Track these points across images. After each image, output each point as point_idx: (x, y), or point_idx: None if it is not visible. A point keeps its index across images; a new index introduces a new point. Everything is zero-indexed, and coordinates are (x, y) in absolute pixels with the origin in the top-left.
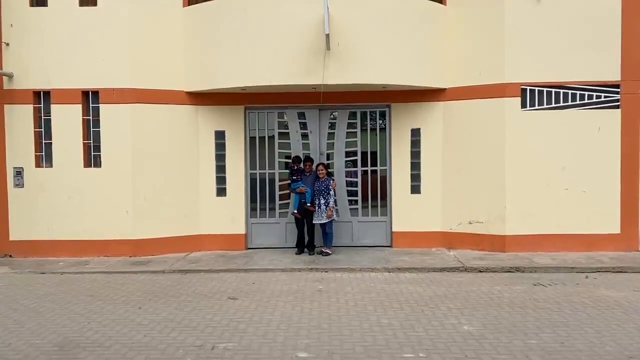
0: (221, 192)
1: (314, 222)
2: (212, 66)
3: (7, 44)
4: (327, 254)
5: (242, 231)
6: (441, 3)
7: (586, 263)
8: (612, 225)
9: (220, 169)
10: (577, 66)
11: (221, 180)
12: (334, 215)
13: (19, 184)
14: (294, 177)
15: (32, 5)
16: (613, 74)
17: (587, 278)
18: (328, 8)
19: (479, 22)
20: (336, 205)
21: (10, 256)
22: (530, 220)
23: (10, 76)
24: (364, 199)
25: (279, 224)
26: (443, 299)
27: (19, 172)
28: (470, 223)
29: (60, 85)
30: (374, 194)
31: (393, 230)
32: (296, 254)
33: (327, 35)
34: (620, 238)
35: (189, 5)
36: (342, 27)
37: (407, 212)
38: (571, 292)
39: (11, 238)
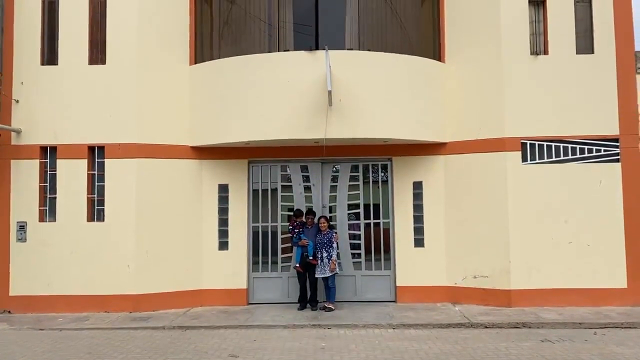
0: (223, 245)
1: (316, 276)
2: (216, 121)
3: (17, 101)
4: (330, 310)
5: (244, 286)
6: (440, 60)
7: (594, 318)
8: (618, 279)
9: (223, 222)
10: (576, 120)
11: (223, 233)
12: (337, 269)
13: (22, 239)
14: (295, 231)
15: (43, 64)
16: (612, 128)
17: (595, 334)
18: (330, 66)
19: (478, 78)
20: (339, 258)
21: (9, 312)
22: (535, 274)
23: (18, 132)
24: (367, 252)
25: (281, 278)
26: (449, 357)
27: (22, 227)
28: (475, 277)
29: (66, 141)
30: (377, 247)
31: (397, 284)
32: (298, 309)
33: (330, 92)
34: (628, 293)
35: (195, 63)
36: (344, 83)
37: (411, 266)
38: (580, 349)
39: (11, 293)
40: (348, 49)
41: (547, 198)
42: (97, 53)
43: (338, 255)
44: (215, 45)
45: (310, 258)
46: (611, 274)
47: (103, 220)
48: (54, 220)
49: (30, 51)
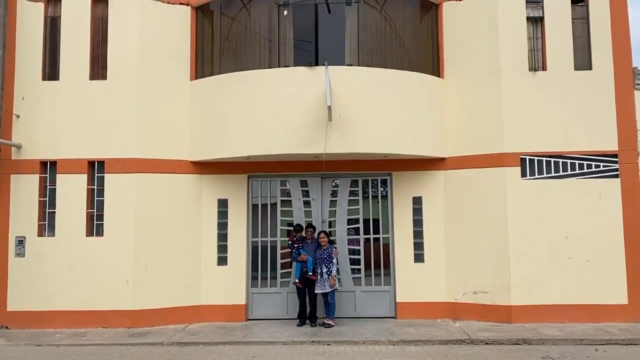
0: (222, 261)
1: (316, 291)
2: (216, 136)
3: (18, 116)
4: (330, 326)
5: (243, 302)
6: (439, 76)
7: (595, 335)
8: (619, 295)
9: (222, 237)
10: (575, 136)
11: (222, 248)
12: (337, 285)
13: (20, 254)
14: (295, 245)
15: (44, 79)
16: (611, 144)
17: (597, 351)
18: (330, 82)
19: (477, 94)
20: (338, 274)
21: (7, 327)
22: (536, 290)
23: (19, 147)
24: (367, 267)
25: (280, 293)
26: None
27: (20, 242)
28: (475, 293)
29: (67, 156)
30: (376, 262)
31: (397, 300)
32: (298, 325)
33: (329, 107)
34: (628, 309)
35: (195, 78)
36: (344, 99)
37: (411, 281)
38: None
39: (9, 309)
40: (348, 65)
41: (546, 213)
42: (98, 68)
43: (338, 270)
44: (216, 61)
45: (310, 274)
46: (612, 289)
47: (102, 235)
48: (53, 235)
49: (32, 66)
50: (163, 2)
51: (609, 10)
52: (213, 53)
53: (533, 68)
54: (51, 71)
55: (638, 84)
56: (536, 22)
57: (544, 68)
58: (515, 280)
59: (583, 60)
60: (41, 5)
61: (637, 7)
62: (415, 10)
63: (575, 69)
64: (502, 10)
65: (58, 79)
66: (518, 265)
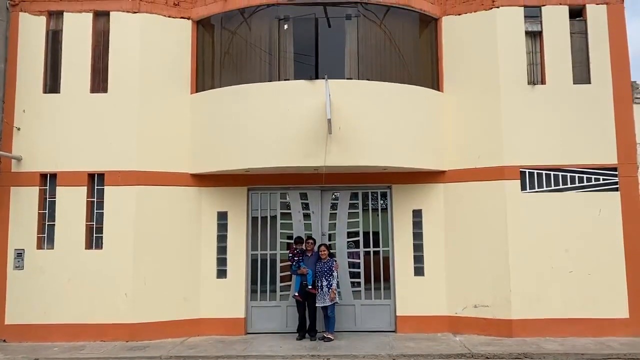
0: (221, 274)
1: (316, 305)
2: (216, 149)
3: (19, 129)
4: (330, 340)
5: (242, 315)
6: (439, 90)
7: (596, 349)
8: (620, 309)
9: (222, 250)
10: (574, 149)
11: (222, 261)
12: (337, 298)
13: (19, 266)
14: (295, 258)
15: (45, 92)
16: (610, 157)
17: None
18: (330, 95)
19: (476, 107)
20: (338, 287)
21: (4, 341)
22: (536, 304)
23: (19, 159)
24: (367, 280)
25: (279, 307)
26: None
27: (19, 254)
28: (475, 307)
29: (67, 168)
30: (376, 275)
31: (397, 314)
32: (297, 339)
33: (329, 120)
34: (630, 323)
35: (196, 92)
36: (344, 112)
37: (411, 295)
38: None
39: (7, 322)
40: (347, 79)
41: (546, 227)
42: (99, 81)
43: (338, 284)
44: (217, 74)
45: (309, 287)
46: (613, 303)
47: (101, 248)
48: (52, 248)
49: (33, 79)
50: (164, 16)
51: (607, 24)
52: (214, 66)
53: (532, 82)
54: (52, 84)
55: (637, 98)
56: (535, 36)
57: (543, 82)
58: (515, 293)
59: (582, 74)
60: (43, 19)
61: (635, 22)
62: (414, 24)
63: (574, 83)
64: (500, 25)
65: (59, 92)
66: (518, 279)
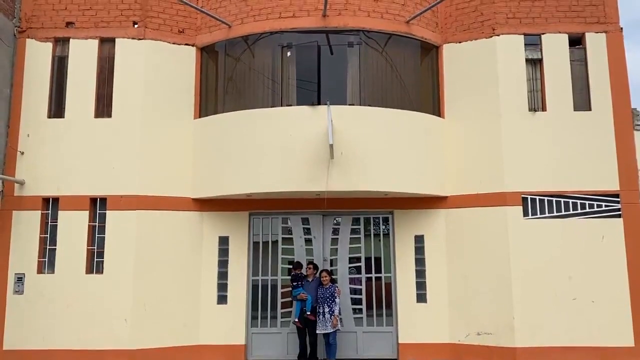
0: (222, 299)
1: (317, 331)
2: (219, 174)
3: (22, 153)
4: None
5: (242, 342)
6: (440, 116)
7: None
8: (625, 337)
9: (222, 275)
10: (576, 176)
11: (223, 287)
12: (339, 325)
13: (19, 291)
14: (294, 284)
15: (49, 116)
16: (612, 183)
17: None
18: (332, 121)
19: (478, 133)
20: (340, 313)
21: None
22: (540, 331)
23: (22, 183)
24: (369, 307)
25: (280, 333)
26: None
27: (20, 279)
28: (478, 334)
29: (69, 192)
30: (378, 302)
31: (399, 341)
32: None
33: (331, 146)
34: (635, 351)
35: (199, 117)
36: (345, 137)
37: (414, 322)
38: None
39: (5, 347)
40: (349, 104)
41: (549, 253)
42: (103, 106)
43: (339, 310)
44: (220, 100)
45: (308, 313)
46: (617, 331)
47: (102, 272)
48: (53, 272)
49: (38, 104)
50: (169, 42)
51: (606, 52)
52: (217, 92)
53: (533, 108)
54: (57, 109)
55: (638, 125)
56: (535, 63)
57: (543, 108)
58: (519, 321)
59: (582, 100)
60: (50, 45)
61: (635, 50)
62: (415, 51)
63: (574, 110)
64: (501, 52)
65: (63, 117)
66: (521, 306)
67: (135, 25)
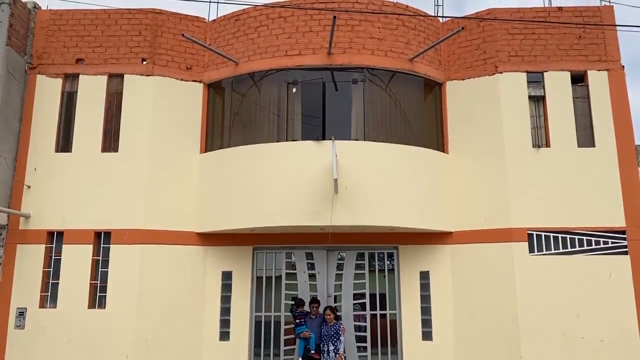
0: (225, 336)
1: None
2: (224, 208)
3: (29, 187)
4: None
5: None
6: (444, 152)
7: None
8: None
9: (225, 311)
10: (581, 212)
11: (225, 323)
12: None
13: (20, 326)
14: (297, 321)
15: (57, 151)
16: (618, 220)
17: None
18: (336, 155)
19: (482, 169)
20: (345, 352)
21: None
22: None
23: (27, 217)
24: (374, 344)
25: None
26: None
27: (21, 313)
28: None
29: (74, 226)
30: (383, 340)
31: None
32: None
33: (336, 180)
34: None
35: (205, 151)
36: (350, 172)
37: None
38: None
39: None
40: (354, 140)
41: (556, 291)
42: (111, 141)
43: (344, 348)
44: (226, 135)
45: (312, 352)
46: None
47: (104, 307)
48: (55, 307)
49: (46, 138)
50: (176, 79)
51: (609, 90)
52: (223, 127)
53: (537, 144)
54: (64, 143)
55: None
56: (538, 100)
57: (547, 145)
58: None
59: (586, 137)
60: (60, 81)
61: (638, 87)
62: (419, 88)
63: (578, 146)
64: (504, 89)
65: (71, 151)
66: (529, 345)
67: (144, 62)
